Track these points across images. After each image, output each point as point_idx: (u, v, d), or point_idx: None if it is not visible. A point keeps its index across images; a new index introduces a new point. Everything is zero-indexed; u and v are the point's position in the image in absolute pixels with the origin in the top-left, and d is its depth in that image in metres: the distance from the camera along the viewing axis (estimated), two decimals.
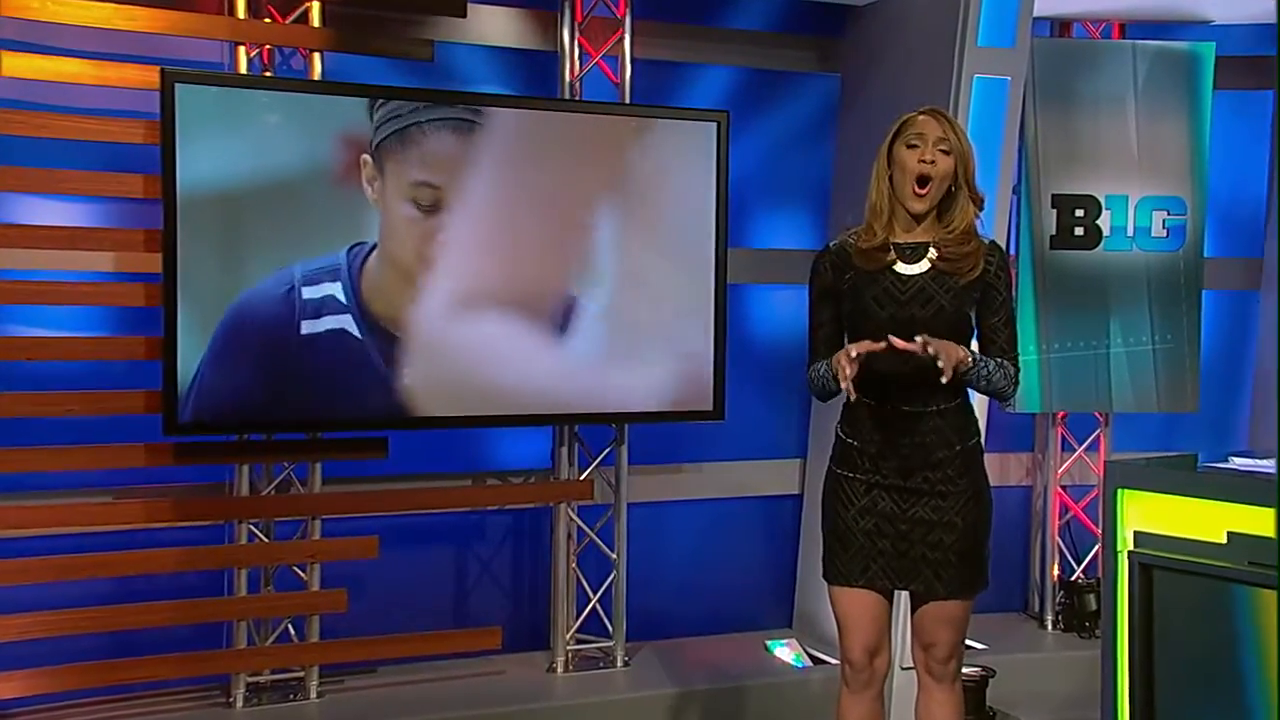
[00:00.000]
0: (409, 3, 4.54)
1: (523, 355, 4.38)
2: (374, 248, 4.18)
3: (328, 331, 4.13)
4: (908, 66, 4.77)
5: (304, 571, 4.35)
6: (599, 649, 4.79)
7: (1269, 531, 2.86)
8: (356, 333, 4.17)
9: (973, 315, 3.14)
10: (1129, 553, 3.22)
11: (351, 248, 4.15)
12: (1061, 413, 5.36)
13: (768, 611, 5.26)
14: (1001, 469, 5.35)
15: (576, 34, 4.71)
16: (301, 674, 4.37)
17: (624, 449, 4.75)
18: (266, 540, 4.33)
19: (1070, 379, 5.16)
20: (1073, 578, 5.35)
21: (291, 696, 4.34)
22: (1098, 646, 3.39)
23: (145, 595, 4.15)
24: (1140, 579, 3.20)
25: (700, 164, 4.58)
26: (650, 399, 4.58)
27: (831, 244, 3.24)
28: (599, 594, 4.76)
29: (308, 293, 4.10)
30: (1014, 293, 3.30)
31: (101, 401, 4.08)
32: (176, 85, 3.95)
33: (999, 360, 3.12)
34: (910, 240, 3.13)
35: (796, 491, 5.26)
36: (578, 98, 4.69)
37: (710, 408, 4.66)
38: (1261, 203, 5.60)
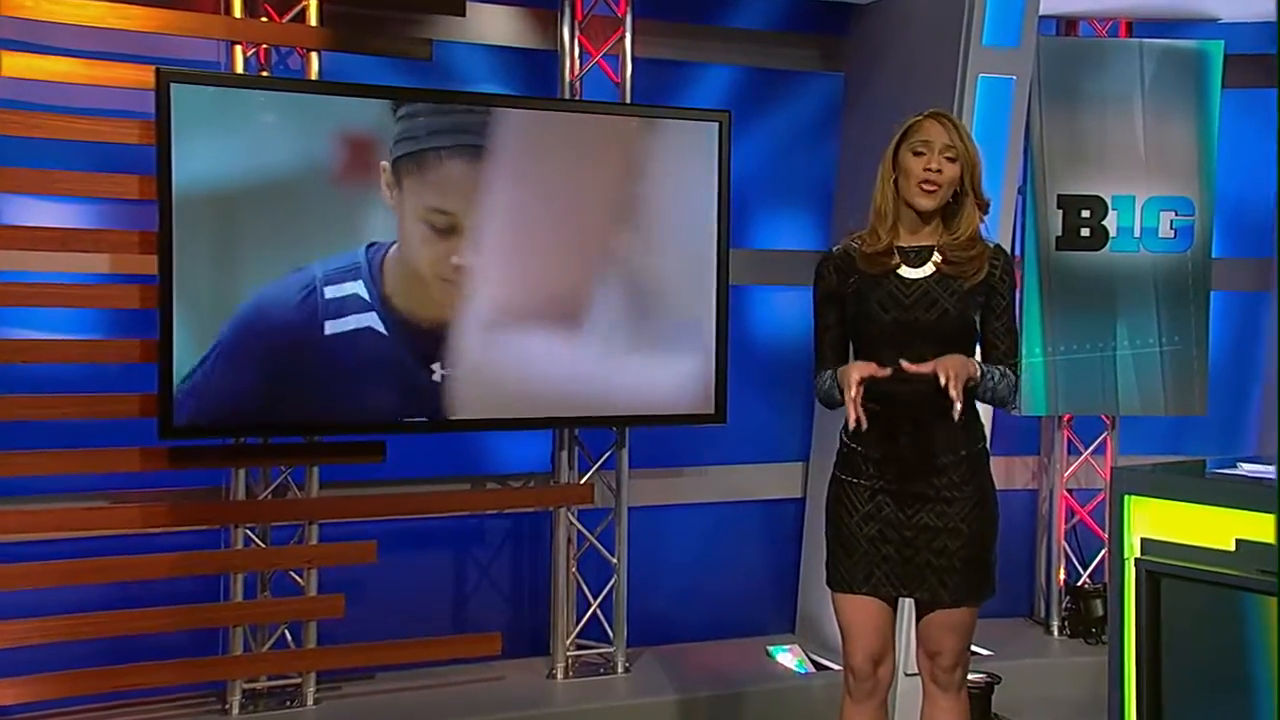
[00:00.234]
0: (407, 2, 4.52)
1: (521, 358, 4.36)
2: (392, 245, 4.16)
3: (354, 330, 4.12)
4: (912, 66, 4.75)
5: (301, 577, 4.33)
6: (599, 654, 4.77)
7: None
8: (383, 330, 4.15)
9: (977, 319, 3.12)
10: (1136, 560, 3.21)
11: (370, 245, 4.14)
12: (1067, 415, 5.34)
13: (770, 616, 5.25)
14: (1007, 472, 5.34)
15: (577, 33, 4.69)
16: (298, 680, 4.34)
17: (625, 452, 4.72)
18: (263, 545, 4.30)
19: (1076, 381, 5.13)
20: (1079, 583, 5.32)
21: (288, 703, 4.31)
22: (1104, 652, 3.38)
23: (140, 601, 4.14)
24: (1147, 587, 3.18)
25: (702, 164, 4.55)
26: (651, 402, 4.56)
27: (835, 248, 3.22)
28: (599, 599, 4.74)
29: (330, 292, 4.08)
30: (1019, 295, 3.27)
31: (96, 405, 4.06)
32: (172, 85, 3.92)
33: (1003, 369, 3.10)
34: (915, 244, 3.11)
35: (799, 495, 5.25)
36: (578, 97, 4.67)
37: (712, 410, 4.63)
38: (1271, 203, 5.55)
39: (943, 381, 2.86)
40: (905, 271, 3.08)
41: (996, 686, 4.47)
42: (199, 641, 4.26)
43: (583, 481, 4.70)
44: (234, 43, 4.21)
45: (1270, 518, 2.90)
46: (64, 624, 3.98)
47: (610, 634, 4.75)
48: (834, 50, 5.22)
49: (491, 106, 4.33)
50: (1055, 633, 5.30)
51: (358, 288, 4.12)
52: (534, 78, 4.79)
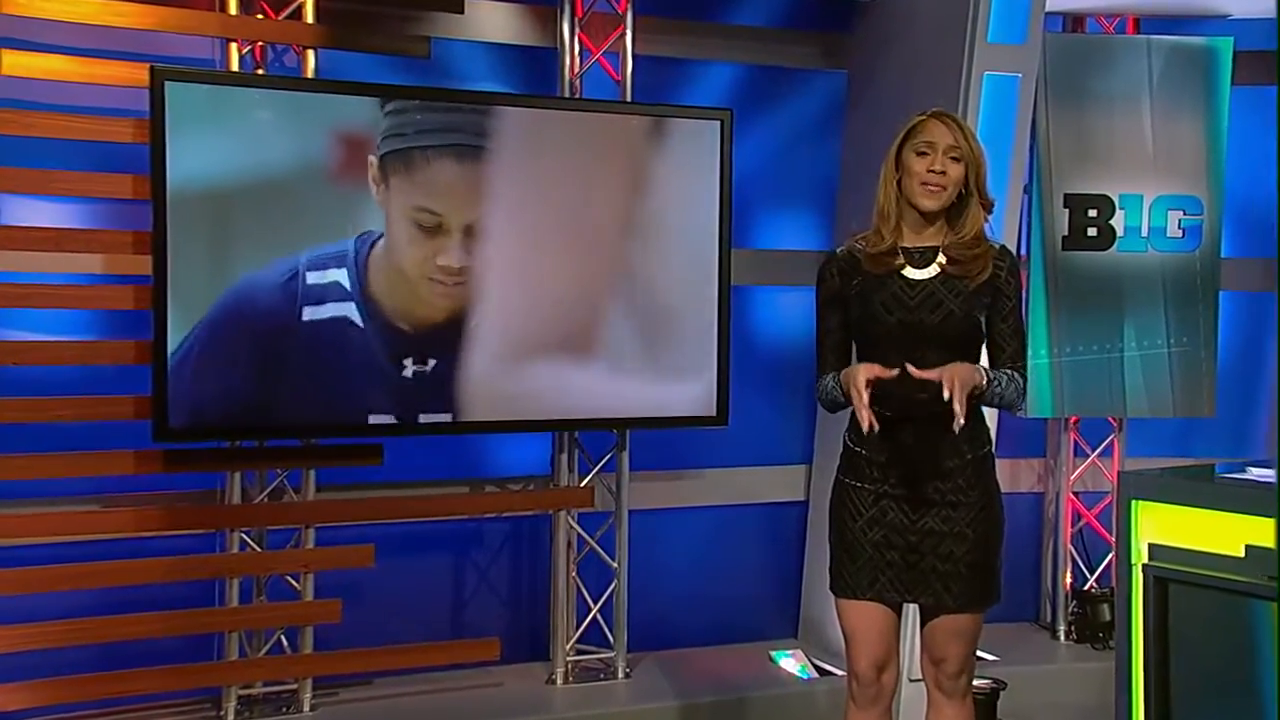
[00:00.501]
0: None
1: (519, 359, 4.33)
2: (381, 236, 4.14)
3: (330, 319, 4.08)
4: (916, 63, 4.73)
5: (297, 581, 4.31)
6: (600, 660, 4.75)
7: None
8: (359, 321, 4.11)
9: (982, 321, 3.10)
10: (1144, 566, 3.18)
11: (361, 234, 4.11)
12: (1074, 417, 5.31)
13: (772, 621, 5.22)
14: (1012, 475, 5.31)
15: (577, 30, 4.68)
16: (295, 686, 4.32)
17: (625, 455, 4.71)
18: (259, 549, 4.28)
19: (1083, 383, 5.10)
20: (1085, 587, 5.29)
21: (284, 710, 4.29)
22: (1111, 658, 3.35)
23: (134, 605, 4.11)
24: (1155, 593, 3.16)
25: (703, 163, 4.53)
26: (652, 403, 4.54)
27: (838, 249, 3.20)
28: (599, 604, 4.72)
29: (312, 278, 4.05)
30: (1025, 296, 3.24)
31: (90, 407, 4.04)
32: (166, 83, 3.90)
33: (1010, 373, 3.08)
34: (919, 245, 3.09)
35: (802, 498, 5.23)
36: (578, 96, 4.66)
37: (714, 413, 4.61)
38: None
39: (946, 394, 2.84)
40: (910, 272, 3.06)
41: (1002, 692, 4.43)
42: (194, 647, 4.22)
43: (583, 484, 4.68)
44: (229, 40, 4.19)
45: None
46: (57, 629, 3.96)
47: (610, 639, 4.73)
48: (837, 47, 5.20)
49: (489, 105, 4.30)
50: (1061, 638, 5.26)
51: (340, 275, 4.08)
52: (533, 75, 4.78)
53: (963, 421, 2.85)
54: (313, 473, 4.30)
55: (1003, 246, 3.15)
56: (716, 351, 4.58)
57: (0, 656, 3.89)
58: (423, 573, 4.73)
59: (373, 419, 4.18)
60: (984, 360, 3.13)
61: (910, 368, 2.89)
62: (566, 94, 4.63)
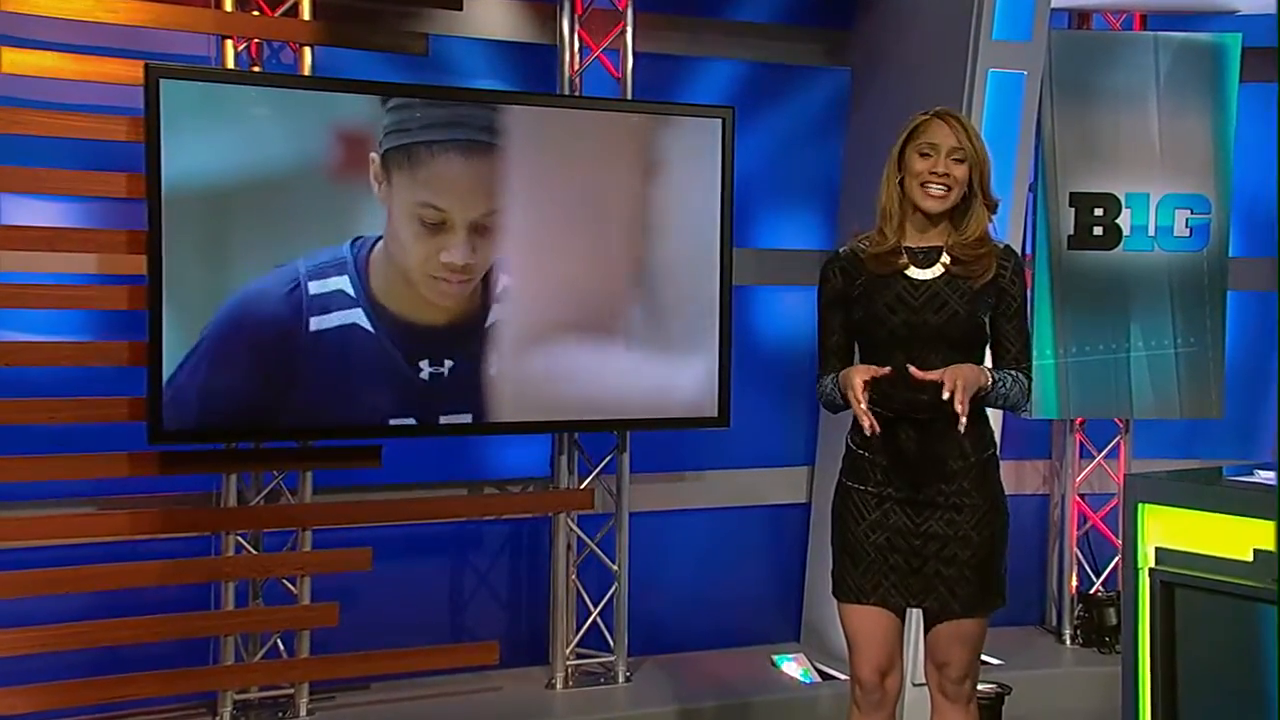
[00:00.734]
0: None
1: (518, 360, 4.31)
2: (378, 240, 4.11)
3: (339, 326, 4.06)
4: (920, 60, 4.71)
5: (294, 584, 4.29)
6: (600, 664, 4.74)
7: None
8: (369, 326, 4.09)
9: (986, 321, 3.09)
10: (1150, 570, 3.17)
11: (355, 240, 4.09)
12: (1080, 419, 5.29)
13: (774, 625, 5.21)
14: (1017, 477, 5.29)
15: (577, 26, 4.66)
16: (291, 691, 4.31)
17: (625, 456, 4.69)
18: (255, 552, 4.26)
19: (1089, 384, 5.08)
20: (1092, 590, 5.27)
21: (281, 715, 4.29)
22: (1118, 662, 3.35)
23: (129, 609, 4.09)
24: (1162, 597, 3.15)
25: (704, 161, 4.51)
26: (653, 404, 4.52)
27: (841, 249, 3.19)
28: (600, 607, 4.71)
29: (314, 287, 4.03)
30: (1030, 296, 3.22)
31: (84, 409, 4.02)
32: (161, 81, 3.88)
33: (1014, 374, 3.08)
34: (923, 245, 3.08)
35: (804, 500, 5.22)
36: (577, 93, 4.64)
37: (715, 414, 4.60)
38: None
39: (945, 394, 2.83)
40: (913, 272, 3.06)
41: (1007, 697, 4.41)
42: (189, 651, 4.21)
43: (583, 486, 4.67)
44: (225, 37, 4.17)
45: None
46: (50, 634, 3.95)
47: (611, 643, 4.71)
48: (840, 44, 5.19)
49: (488, 103, 4.27)
50: (1067, 642, 5.23)
51: (343, 283, 4.06)
52: (533, 73, 4.76)
53: (965, 420, 2.83)
54: (310, 475, 4.28)
55: (1007, 246, 3.14)
56: (718, 352, 4.56)
57: None
58: (421, 576, 4.72)
59: (390, 422, 4.18)
60: (988, 360, 3.12)
61: (914, 370, 2.89)
62: (566, 91, 4.61)
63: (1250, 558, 2.94)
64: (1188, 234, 5.08)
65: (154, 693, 4.12)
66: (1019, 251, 3.50)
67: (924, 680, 3.25)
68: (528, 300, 4.30)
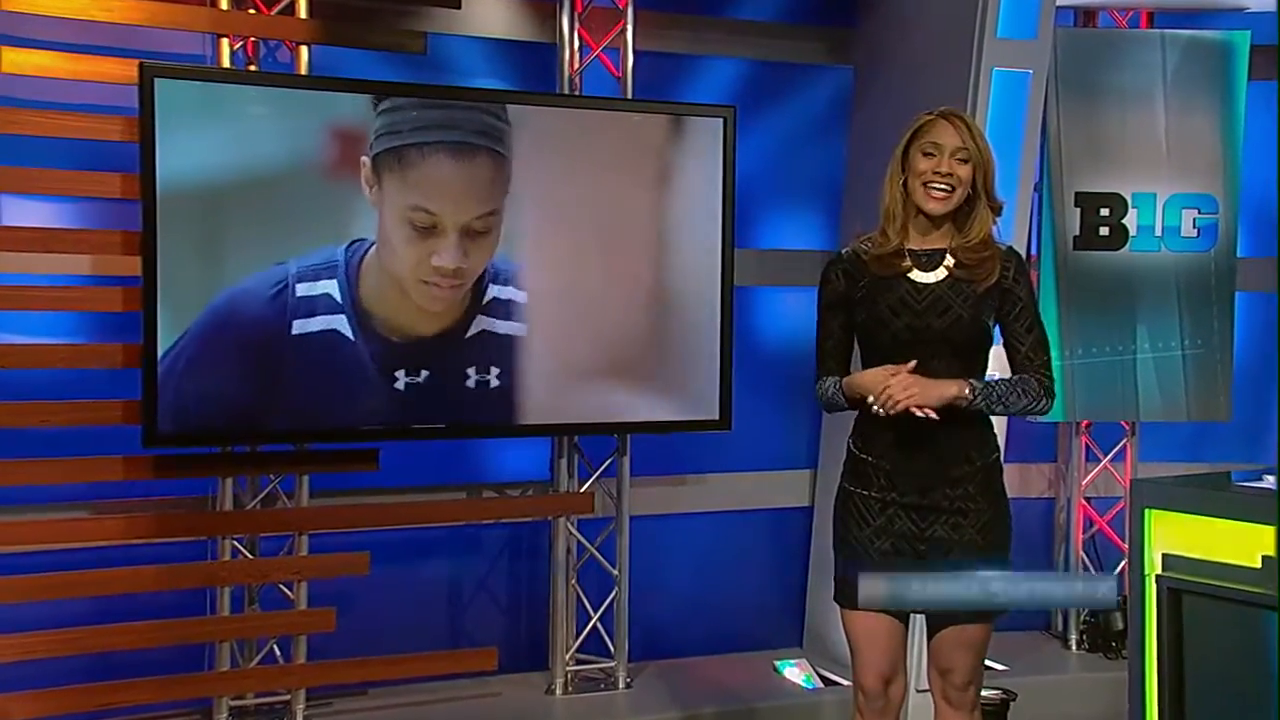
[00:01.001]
0: None
1: (517, 361, 4.28)
2: (373, 245, 4.09)
3: (320, 331, 4.03)
4: (923, 59, 4.70)
5: (290, 589, 4.28)
6: (600, 669, 4.73)
7: None
8: (349, 334, 4.06)
9: (993, 324, 3.08)
10: (1157, 577, 3.13)
11: (351, 244, 4.06)
12: (1086, 421, 5.27)
13: (776, 630, 5.20)
14: (1023, 480, 5.28)
15: (576, 25, 4.65)
16: (287, 697, 4.30)
17: (626, 460, 4.68)
18: (251, 556, 4.26)
19: (1095, 386, 5.06)
20: None
21: None
22: (1124, 668, 3.31)
23: (124, 615, 4.08)
24: (1169, 604, 3.10)
25: (706, 161, 4.49)
26: (653, 407, 4.50)
27: (843, 250, 3.17)
28: (600, 612, 4.70)
29: (301, 289, 4.01)
30: (1035, 297, 3.19)
31: (78, 412, 4.00)
32: (156, 80, 3.85)
33: (1015, 378, 3.06)
34: (926, 247, 3.06)
35: (807, 504, 5.21)
36: (577, 92, 4.63)
37: (716, 416, 4.58)
38: None
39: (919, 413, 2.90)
40: (917, 276, 3.04)
41: (1012, 704, 4.41)
42: (184, 657, 4.20)
43: (583, 490, 4.66)
44: (220, 35, 4.16)
45: None
46: (44, 639, 3.93)
47: (611, 648, 4.70)
48: (842, 43, 5.18)
49: (486, 103, 4.25)
50: (1073, 647, 5.22)
51: (330, 287, 4.03)
52: (532, 71, 4.75)
53: (935, 417, 2.90)
54: (306, 478, 4.26)
55: (1009, 248, 3.14)
56: (719, 353, 4.54)
57: None
58: (419, 580, 4.71)
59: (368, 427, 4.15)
60: (992, 363, 3.09)
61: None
62: (566, 91, 4.60)
63: (1258, 564, 2.90)
64: (1195, 234, 5.06)
65: (149, 699, 4.11)
66: (1023, 252, 3.46)
67: (927, 686, 3.23)
68: (520, 303, 4.27)
